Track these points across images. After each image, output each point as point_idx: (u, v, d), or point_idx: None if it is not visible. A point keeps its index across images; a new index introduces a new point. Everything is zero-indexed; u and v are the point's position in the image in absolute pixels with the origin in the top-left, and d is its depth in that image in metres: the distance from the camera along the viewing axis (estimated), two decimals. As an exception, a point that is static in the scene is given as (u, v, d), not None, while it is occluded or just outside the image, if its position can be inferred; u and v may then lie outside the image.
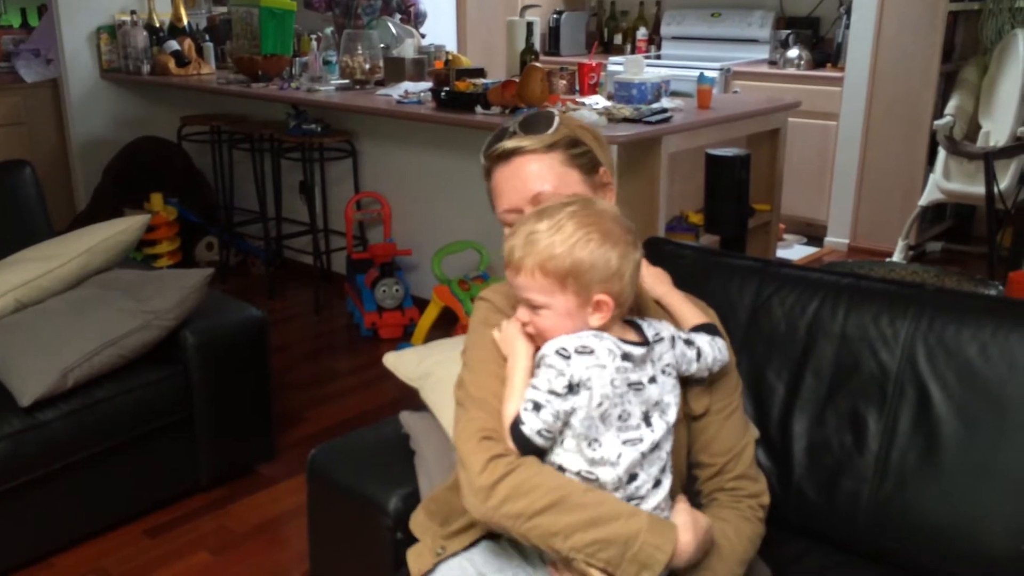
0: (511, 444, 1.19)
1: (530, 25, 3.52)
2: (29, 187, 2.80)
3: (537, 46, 3.55)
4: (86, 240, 2.52)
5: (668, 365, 1.28)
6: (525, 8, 3.93)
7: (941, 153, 4.33)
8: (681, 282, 1.85)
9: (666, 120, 3.03)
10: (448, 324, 3.47)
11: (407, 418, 1.75)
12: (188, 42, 4.49)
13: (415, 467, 1.65)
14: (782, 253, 4.62)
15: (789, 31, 5.05)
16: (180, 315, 2.34)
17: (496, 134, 1.38)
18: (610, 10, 5.94)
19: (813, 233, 4.98)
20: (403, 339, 3.63)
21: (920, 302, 1.60)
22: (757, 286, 1.77)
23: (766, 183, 3.65)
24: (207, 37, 4.72)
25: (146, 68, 4.45)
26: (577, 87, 3.48)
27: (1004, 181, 4.13)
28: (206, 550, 2.34)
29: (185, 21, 4.65)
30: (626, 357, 1.21)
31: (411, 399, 3.24)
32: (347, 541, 1.73)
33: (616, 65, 4.05)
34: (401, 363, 1.85)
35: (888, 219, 4.65)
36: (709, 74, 3.53)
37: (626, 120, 3.01)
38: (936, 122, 4.26)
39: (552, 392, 1.17)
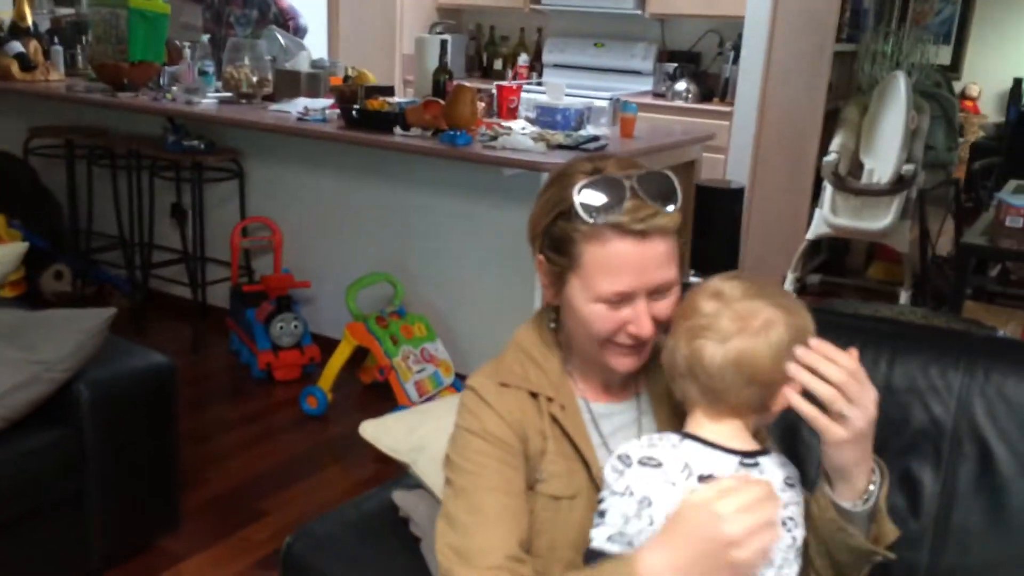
0: None
1: (444, 43, 3.28)
2: None
3: (450, 65, 3.32)
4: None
5: (788, 477, 1.10)
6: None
7: (827, 188, 4.44)
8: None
9: (601, 148, 2.88)
10: (355, 364, 3.15)
11: (404, 499, 1.46)
12: (34, 44, 3.96)
13: (423, 556, 1.37)
14: (677, 285, 4.58)
15: (675, 64, 5.07)
16: (75, 366, 1.94)
17: (599, 184, 1.08)
18: (490, 35, 5.79)
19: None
20: (302, 380, 3.27)
21: (971, 351, 1.49)
22: (782, 332, 1.62)
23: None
24: (54, 40, 4.18)
25: (-16, 71, 3.88)
26: (495, 110, 3.28)
27: (888, 217, 4.27)
28: (104, 650, 1.93)
29: (30, 21, 4.10)
30: (706, 479, 1.01)
31: (330, 453, 2.90)
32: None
33: (528, 93, 3.90)
34: (385, 433, 1.56)
35: (774, 253, 4.72)
36: (598, 103, 3.43)
37: (561, 147, 2.84)
38: (824, 159, 4.36)
39: (613, 492, 1.03)
